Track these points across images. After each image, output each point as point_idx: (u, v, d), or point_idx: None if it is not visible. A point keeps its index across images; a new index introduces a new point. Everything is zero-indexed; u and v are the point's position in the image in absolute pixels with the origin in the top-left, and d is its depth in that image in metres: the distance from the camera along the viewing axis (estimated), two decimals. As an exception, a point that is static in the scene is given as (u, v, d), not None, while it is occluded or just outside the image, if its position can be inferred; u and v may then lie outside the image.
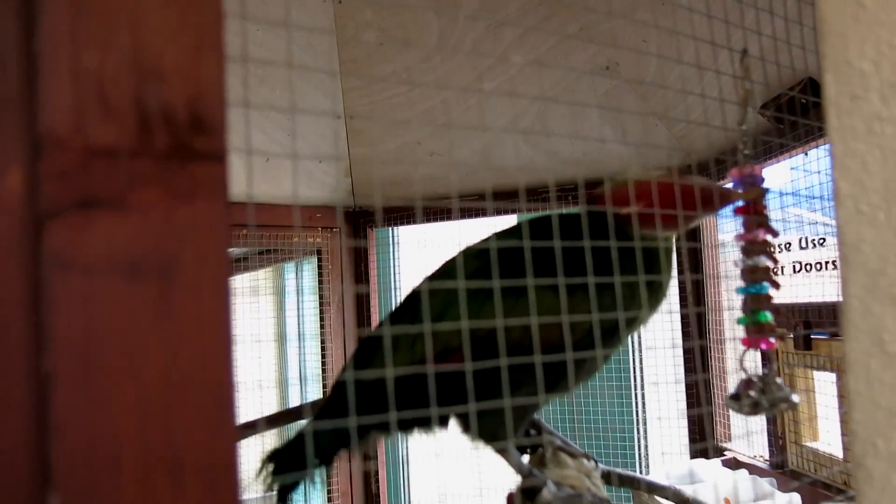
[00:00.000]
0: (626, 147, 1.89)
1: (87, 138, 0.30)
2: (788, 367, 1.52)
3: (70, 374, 0.29)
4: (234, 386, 0.32)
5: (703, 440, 1.86)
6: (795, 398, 0.63)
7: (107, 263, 0.30)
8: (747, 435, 1.79)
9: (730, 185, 0.65)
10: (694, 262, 1.88)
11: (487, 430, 0.63)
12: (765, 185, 0.62)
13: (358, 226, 2.29)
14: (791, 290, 1.64)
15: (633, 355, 2.24)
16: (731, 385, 1.88)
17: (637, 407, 2.23)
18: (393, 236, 2.42)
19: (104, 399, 0.29)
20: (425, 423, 0.64)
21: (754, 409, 0.61)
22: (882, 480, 0.43)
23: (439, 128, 2.05)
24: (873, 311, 0.43)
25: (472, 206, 2.06)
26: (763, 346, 0.62)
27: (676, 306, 1.93)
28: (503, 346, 0.58)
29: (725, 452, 1.80)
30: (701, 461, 1.70)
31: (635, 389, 2.23)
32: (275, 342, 3.20)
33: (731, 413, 1.88)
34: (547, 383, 0.61)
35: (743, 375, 0.62)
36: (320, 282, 2.32)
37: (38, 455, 0.28)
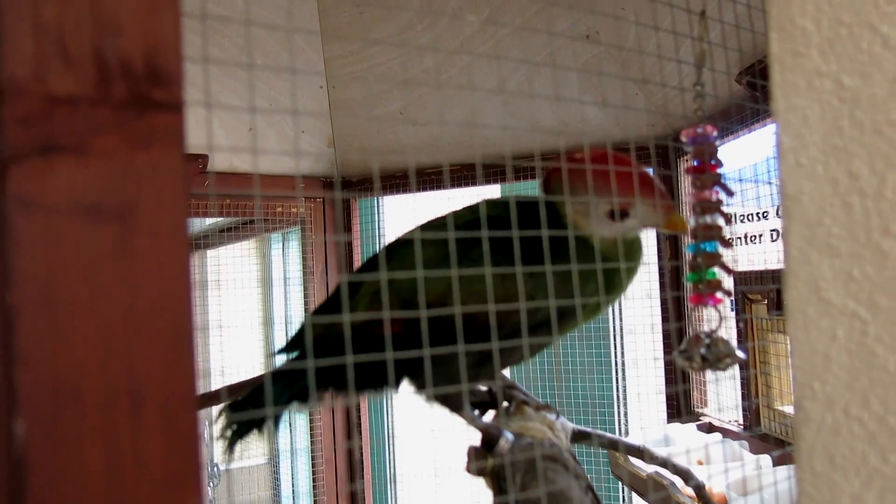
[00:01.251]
0: (606, 116, 1.90)
1: (48, 86, 0.32)
2: (762, 333, 1.55)
3: (34, 309, 0.30)
4: (192, 325, 0.34)
5: (680, 415, 1.90)
6: (741, 354, 0.65)
7: (68, 206, 0.31)
8: (728, 402, 1.82)
9: (684, 142, 0.66)
10: (674, 248, 1.90)
11: (440, 391, 0.65)
12: (717, 142, 0.64)
13: (341, 195, 2.30)
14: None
15: (614, 337, 2.28)
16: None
17: (617, 384, 2.27)
18: (377, 206, 2.43)
19: (67, 333, 0.31)
20: (380, 381, 0.66)
21: (703, 364, 0.63)
22: (818, 421, 0.46)
23: (422, 97, 2.06)
24: (811, 259, 0.45)
25: (457, 176, 2.07)
26: (711, 303, 0.64)
27: (656, 291, 1.97)
28: (458, 313, 0.59)
29: (701, 418, 1.84)
30: (676, 426, 1.74)
31: (615, 367, 2.27)
32: (261, 322, 3.22)
33: (708, 380, 1.92)
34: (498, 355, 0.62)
35: (691, 333, 0.65)
36: (304, 252, 2.33)
37: (5, 383, 0.30)
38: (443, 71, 1.99)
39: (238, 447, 0.72)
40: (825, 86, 0.44)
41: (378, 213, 2.43)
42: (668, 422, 1.92)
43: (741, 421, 1.72)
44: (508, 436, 0.64)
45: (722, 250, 0.64)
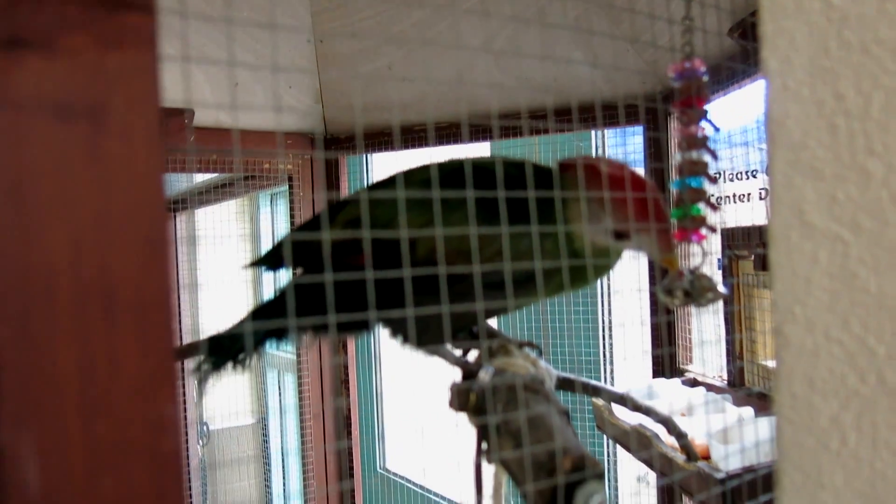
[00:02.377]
0: (597, 73, 1.89)
1: (14, -20, 0.31)
2: (748, 287, 1.56)
3: (1, 207, 0.30)
4: (165, 230, 0.33)
5: (665, 374, 1.91)
6: (723, 289, 0.65)
7: (36, 103, 0.31)
8: (713, 357, 1.84)
9: (672, 77, 0.66)
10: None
11: (417, 335, 0.64)
12: (704, 77, 0.63)
13: (329, 152, 2.28)
14: (755, 214, 1.67)
15: (602, 297, 2.29)
16: (696, 311, 1.93)
17: (604, 344, 2.29)
18: (366, 163, 2.42)
19: (37, 232, 0.30)
20: (356, 325, 0.65)
21: (685, 299, 0.63)
22: (798, 345, 0.46)
23: (411, 52, 2.03)
24: (795, 183, 0.45)
25: (445, 133, 2.05)
26: (695, 239, 0.64)
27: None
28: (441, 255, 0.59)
29: (686, 373, 1.85)
30: (661, 380, 1.75)
31: (603, 328, 2.28)
32: (250, 280, 3.21)
33: (693, 336, 1.93)
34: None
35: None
36: (291, 209, 2.32)
37: (-27, 281, 0.29)
38: (431, 26, 1.97)
39: (213, 381, 0.72)
40: (813, 6, 0.43)
41: (366, 171, 2.42)
42: (653, 377, 1.93)
43: (725, 377, 1.74)
44: (488, 369, 0.64)
45: (707, 186, 0.64)
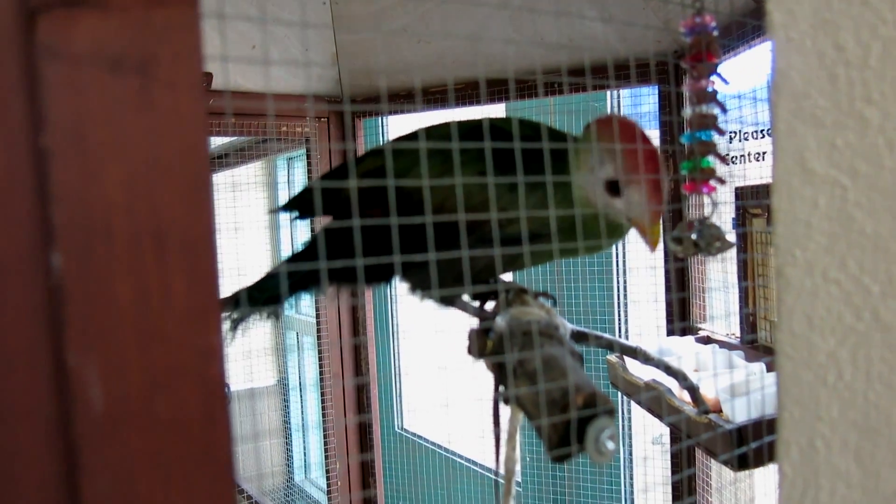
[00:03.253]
0: (611, 31, 1.89)
1: (69, -57, 0.33)
2: (762, 245, 1.58)
3: (65, 151, 0.33)
4: (209, 174, 0.36)
5: (679, 321, 1.94)
6: (731, 238, 0.67)
7: (92, 56, 0.34)
8: (724, 317, 1.86)
9: (683, 32, 0.67)
10: (674, 163, 1.91)
11: (435, 284, 0.67)
12: (715, 32, 0.65)
13: (346, 115, 2.30)
14: (769, 171, 1.68)
15: (616, 246, 2.30)
16: (708, 269, 1.95)
17: (618, 293, 2.31)
18: (382, 126, 2.44)
19: (96, 175, 0.34)
20: (377, 270, 0.67)
21: (694, 248, 0.65)
22: (798, 286, 0.48)
23: (426, 13, 2.04)
24: (797, 131, 0.47)
25: (461, 94, 2.06)
26: (705, 191, 0.66)
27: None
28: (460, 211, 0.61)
29: (699, 331, 1.88)
30: (675, 338, 1.78)
31: (617, 275, 2.30)
32: (267, 230, 3.25)
33: (706, 295, 1.95)
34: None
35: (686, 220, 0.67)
36: (309, 172, 2.35)
37: (42, 220, 0.33)
38: (447, -14, 1.97)
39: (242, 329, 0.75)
40: (817, -40, 0.45)
41: (382, 133, 2.44)
42: (667, 335, 1.96)
43: (738, 334, 1.77)
44: (505, 316, 0.67)
45: (716, 139, 0.66)
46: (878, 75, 0.43)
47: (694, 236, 0.65)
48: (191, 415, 0.36)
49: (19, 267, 0.32)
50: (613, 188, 0.68)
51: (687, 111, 0.67)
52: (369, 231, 0.58)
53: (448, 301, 0.74)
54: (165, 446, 0.35)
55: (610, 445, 0.54)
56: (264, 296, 0.74)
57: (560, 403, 0.55)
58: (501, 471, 0.75)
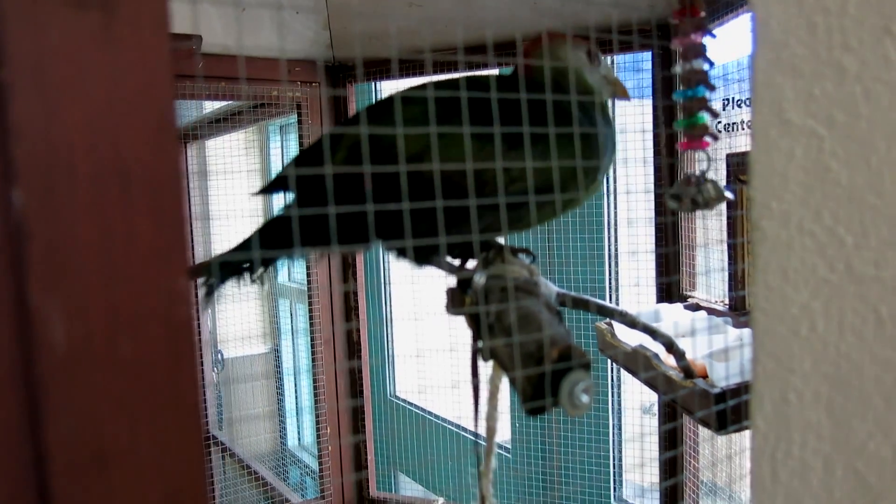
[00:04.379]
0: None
1: None
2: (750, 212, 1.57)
3: (25, 86, 0.32)
4: (173, 112, 0.36)
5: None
6: (729, 194, 0.67)
7: (52, -9, 0.33)
8: (713, 274, 1.87)
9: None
10: (668, 116, 1.89)
11: (415, 250, 0.67)
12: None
13: (337, 80, 2.28)
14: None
15: (608, 199, 2.30)
16: (699, 231, 1.95)
17: (610, 272, 2.32)
18: (374, 91, 2.42)
19: (57, 111, 0.33)
20: (357, 232, 0.66)
21: (693, 205, 0.65)
22: (773, 239, 0.48)
23: (418, -24, 2.01)
24: (775, 81, 0.46)
25: (448, 60, 2.04)
26: (701, 146, 0.66)
27: (651, 186, 1.97)
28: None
29: (688, 299, 1.89)
30: (664, 305, 1.79)
31: (608, 258, 2.31)
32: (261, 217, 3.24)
33: (696, 262, 1.96)
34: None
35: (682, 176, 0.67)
36: (300, 138, 2.33)
37: (3, 156, 0.32)
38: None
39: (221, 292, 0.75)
40: None
41: (375, 98, 2.42)
42: (657, 302, 1.97)
43: (727, 301, 1.77)
44: (483, 273, 0.67)
45: (707, 94, 0.65)
46: (857, 22, 0.42)
47: (692, 192, 0.65)
48: (156, 356, 0.36)
49: (-21, 204, 0.32)
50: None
51: (677, 68, 0.66)
52: (347, 197, 0.59)
53: (427, 260, 0.73)
54: (130, 388, 0.35)
55: (584, 398, 0.55)
56: (241, 259, 0.73)
57: (536, 356, 0.55)
58: (482, 429, 0.75)
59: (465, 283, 0.70)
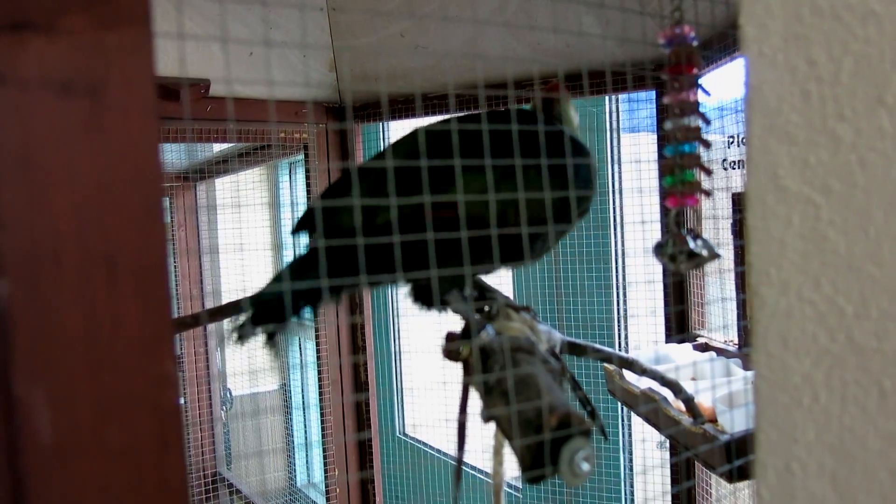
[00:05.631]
0: (608, 38, 1.88)
1: (16, -35, 0.33)
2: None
3: (11, 176, 0.32)
4: (160, 200, 0.36)
5: (678, 332, 1.93)
6: (719, 251, 0.67)
7: (40, 81, 0.33)
8: (723, 323, 1.85)
9: (662, 44, 0.67)
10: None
11: (435, 290, 0.67)
12: (694, 43, 0.64)
13: (343, 120, 2.30)
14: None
15: (615, 260, 2.30)
16: (707, 279, 1.94)
17: (618, 304, 2.30)
18: (382, 130, 2.43)
19: (44, 201, 0.33)
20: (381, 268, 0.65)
21: (682, 261, 0.65)
22: (772, 306, 0.48)
23: (423, 19, 2.04)
24: (770, 148, 0.46)
25: (458, 101, 2.06)
26: (689, 203, 0.65)
27: (657, 216, 1.97)
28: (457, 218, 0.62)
29: (697, 338, 1.87)
30: (673, 346, 1.77)
31: (616, 289, 2.30)
32: (271, 251, 3.26)
33: (705, 301, 1.94)
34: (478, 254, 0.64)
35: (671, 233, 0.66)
36: (308, 178, 2.34)
37: (-14, 247, 0.32)
38: (444, -8, 1.97)
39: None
40: (789, -25, 0.44)
41: (382, 139, 2.43)
42: (666, 342, 1.95)
43: (736, 340, 1.75)
44: (490, 329, 0.67)
45: (701, 150, 0.65)
46: (850, 91, 0.42)
47: (682, 249, 0.64)
48: (143, 443, 0.35)
49: (-36, 295, 0.32)
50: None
51: (668, 124, 0.66)
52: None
53: (444, 297, 0.73)
54: (117, 476, 0.35)
55: (585, 467, 0.53)
56: (280, 307, 0.70)
57: (535, 423, 0.54)
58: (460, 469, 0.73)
59: (465, 332, 0.69)
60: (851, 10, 0.42)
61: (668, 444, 2.54)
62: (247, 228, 3.02)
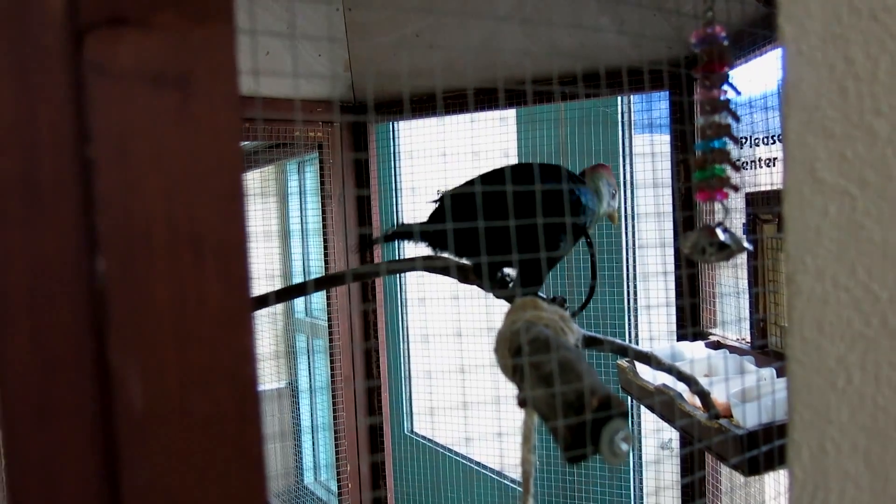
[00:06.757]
0: (624, 38, 1.90)
1: (113, -36, 0.35)
2: (772, 251, 1.58)
3: (109, 162, 0.35)
4: (243, 185, 0.38)
5: (690, 326, 1.95)
6: (747, 245, 0.69)
7: (135, 72, 0.35)
8: (736, 322, 1.87)
9: (694, 43, 0.69)
10: (685, 171, 1.91)
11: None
12: (725, 42, 0.66)
13: (358, 119, 2.32)
14: (779, 178, 1.69)
15: (626, 253, 2.31)
16: (719, 275, 1.96)
17: (628, 298, 2.32)
18: (393, 130, 2.46)
19: (138, 184, 0.35)
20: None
21: (709, 254, 0.67)
22: (808, 292, 0.50)
23: (439, 18, 2.06)
24: (807, 142, 0.48)
25: (477, 100, 2.08)
26: (718, 198, 0.67)
27: (668, 208, 1.99)
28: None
29: (710, 336, 1.89)
30: (685, 343, 1.79)
31: (628, 281, 2.31)
32: (278, 238, 3.28)
33: (717, 300, 1.96)
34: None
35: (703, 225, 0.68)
36: (321, 176, 2.37)
37: (88, 227, 0.34)
38: (459, -7, 1.99)
39: None
40: (827, -24, 0.47)
41: (393, 137, 2.46)
42: (678, 340, 1.97)
43: (749, 339, 1.77)
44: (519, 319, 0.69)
45: (730, 147, 0.67)
46: (887, 88, 0.44)
47: (709, 242, 0.67)
48: (225, 413, 0.38)
49: (65, 271, 0.34)
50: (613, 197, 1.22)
51: (700, 120, 0.68)
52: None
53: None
54: (201, 443, 0.37)
55: (624, 447, 0.56)
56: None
57: (575, 406, 0.56)
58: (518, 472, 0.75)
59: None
60: (889, 11, 0.44)
61: (672, 444, 2.56)
62: (255, 229, 3.05)
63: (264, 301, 1.34)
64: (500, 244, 0.94)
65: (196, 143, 0.36)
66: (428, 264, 1.14)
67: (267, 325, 3.61)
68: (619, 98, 2.15)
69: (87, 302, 0.35)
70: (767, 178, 1.67)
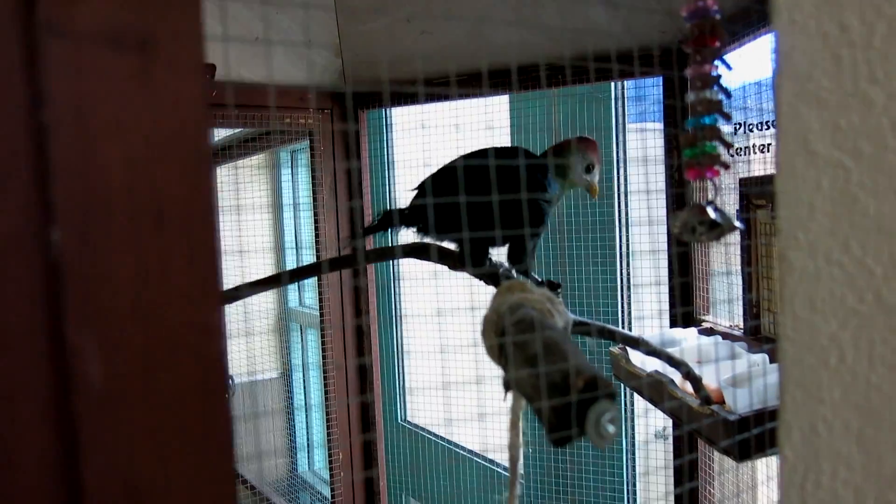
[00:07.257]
0: (615, 21, 1.88)
1: (68, -82, 0.33)
2: (766, 238, 1.57)
3: (65, 128, 0.33)
4: (209, 153, 0.36)
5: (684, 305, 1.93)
6: (738, 223, 0.67)
7: (92, 34, 0.33)
8: (727, 303, 1.86)
9: (684, 17, 0.67)
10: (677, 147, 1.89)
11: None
12: (717, 16, 0.65)
13: (349, 107, 2.30)
14: (772, 163, 1.67)
15: (619, 230, 2.29)
16: (713, 257, 1.94)
17: (621, 275, 2.30)
18: (385, 117, 2.43)
19: (96, 152, 0.33)
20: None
21: (699, 233, 0.65)
22: (801, 269, 0.48)
23: (429, 3, 2.04)
24: (800, 113, 0.47)
25: (463, 86, 2.05)
26: (709, 175, 0.66)
27: (662, 184, 1.97)
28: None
29: (703, 323, 1.88)
30: (678, 329, 1.78)
31: (621, 259, 2.29)
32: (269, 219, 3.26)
33: (710, 286, 1.95)
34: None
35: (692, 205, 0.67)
36: (313, 164, 2.35)
37: (41, 194, 0.33)
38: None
39: None
40: (821, -60, 0.45)
41: (386, 125, 2.43)
42: (671, 321, 1.96)
43: (742, 325, 1.76)
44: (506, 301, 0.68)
45: (721, 123, 0.65)
46: (883, 55, 0.43)
47: (699, 220, 0.65)
48: (189, 391, 0.36)
49: (19, 242, 0.32)
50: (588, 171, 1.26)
51: (690, 96, 0.67)
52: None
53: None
54: (164, 423, 0.35)
55: (611, 428, 0.54)
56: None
57: (560, 387, 0.55)
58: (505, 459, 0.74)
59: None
60: (885, -27, 0.42)
61: (666, 433, 2.55)
62: (248, 218, 3.03)
63: (277, 279, 1.43)
64: (471, 221, 0.99)
65: (157, 109, 0.35)
66: (409, 249, 1.18)
67: (260, 315, 3.59)
68: (612, 84, 2.13)
69: (42, 275, 0.33)
70: (761, 165, 1.65)
